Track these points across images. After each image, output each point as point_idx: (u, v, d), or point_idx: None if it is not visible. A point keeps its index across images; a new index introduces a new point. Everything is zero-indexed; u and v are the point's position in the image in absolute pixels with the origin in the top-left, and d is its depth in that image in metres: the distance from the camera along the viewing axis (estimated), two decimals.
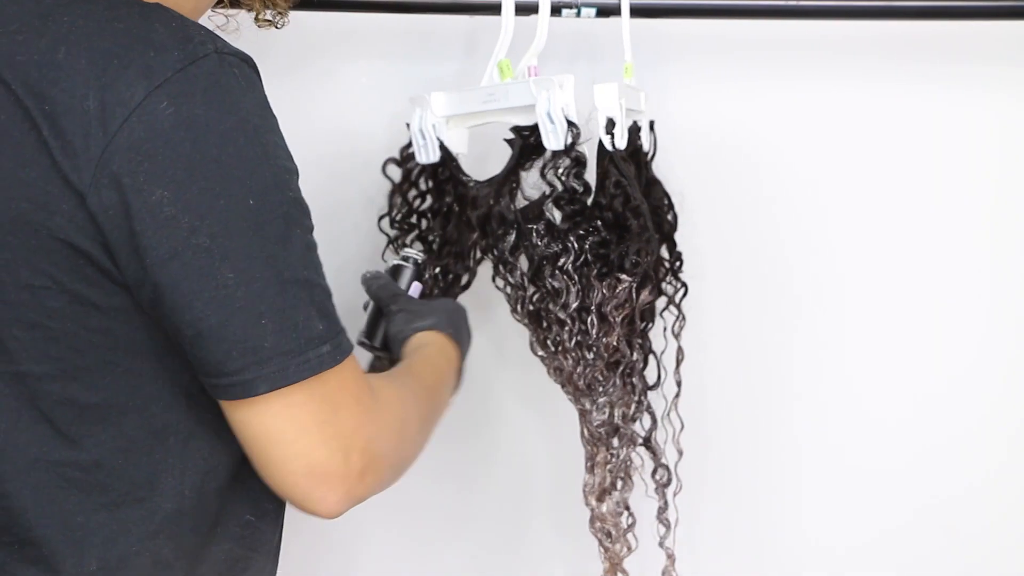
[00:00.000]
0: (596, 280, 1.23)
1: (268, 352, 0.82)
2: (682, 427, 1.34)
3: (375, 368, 1.24)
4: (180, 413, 0.88)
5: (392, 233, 1.37)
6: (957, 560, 1.58)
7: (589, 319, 1.23)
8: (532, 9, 1.28)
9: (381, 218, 1.37)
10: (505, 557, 1.58)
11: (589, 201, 1.24)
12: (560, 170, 1.21)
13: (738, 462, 1.57)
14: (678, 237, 1.34)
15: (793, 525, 1.59)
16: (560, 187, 1.22)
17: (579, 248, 1.23)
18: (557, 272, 1.22)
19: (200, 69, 0.81)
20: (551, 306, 1.24)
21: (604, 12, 1.31)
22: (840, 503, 1.59)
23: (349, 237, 1.44)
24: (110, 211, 0.79)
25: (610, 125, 1.21)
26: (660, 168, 1.33)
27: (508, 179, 1.26)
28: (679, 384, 1.34)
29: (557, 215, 1.24)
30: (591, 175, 1.24)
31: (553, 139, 1.19)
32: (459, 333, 1.18)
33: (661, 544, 1.34)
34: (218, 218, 0.80)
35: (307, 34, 1.34)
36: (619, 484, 1.29)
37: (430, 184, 1.34)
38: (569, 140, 1.19)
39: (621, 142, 1.22)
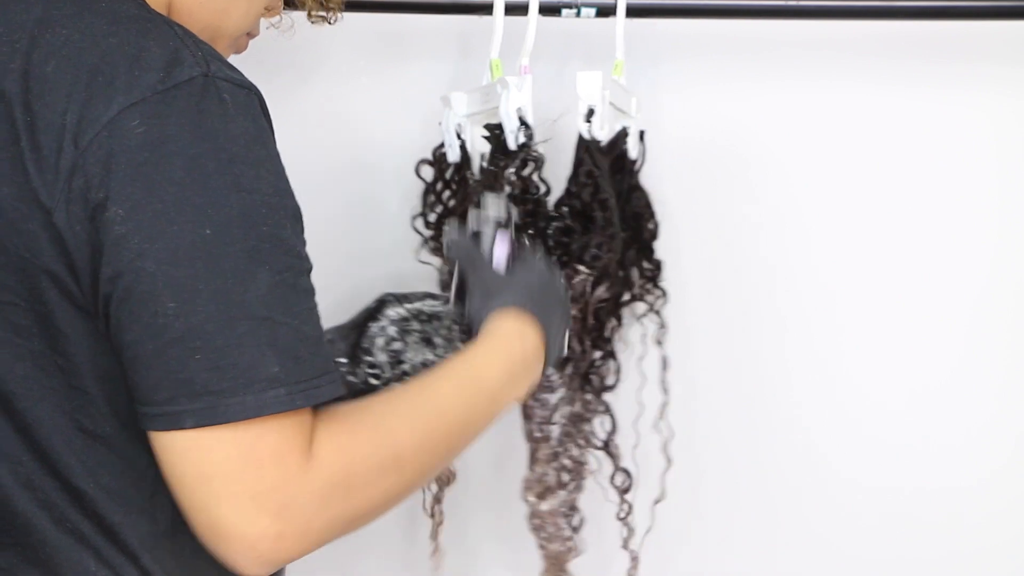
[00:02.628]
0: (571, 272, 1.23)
1: (199, 388, 0.77)
2: (672, 435, 1.33)
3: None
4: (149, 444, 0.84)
5: (427, 233, 1.36)
6: (953, 564, 1.58)
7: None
8: (528, 9, 1.28)
9: (415, 218, 1.36)
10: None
11: (551, 201, 1.24)
12: (513, 169, 1.20)
13: (725, 469, 1.56)
14: (663, 245, 1.32)
15: (783, 532, 1.59)
16: (518, 187, 1.21)
17: (538, 236, 1.23)
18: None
19: (182, 91, 0.79)
20: None
21: (604, 12, 1.30)
22: (829, 509, 1.58)
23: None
24: (76, 227, 0.78)
25: (589, 114, 1.21)
26: (653, 168, 1.32)
27: (489, 176, 1.26)
28: (666, 391, 1.33)
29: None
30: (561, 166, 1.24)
31: (511, 138, 1.19)
32: (544, 309, 1.06)
33: (625, 546, 1.34)
34: (167, 244, 0.77)
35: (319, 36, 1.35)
36: (569, 484, 1.27)
37: (454, 184, 1.33)
38: (521, 140, 1.18)
39: (599, 133, 1.22)
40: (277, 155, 0.84)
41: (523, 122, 1.18)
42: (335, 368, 0.84)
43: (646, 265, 1.31)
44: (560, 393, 1.26)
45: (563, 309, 1.10)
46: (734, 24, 1.43)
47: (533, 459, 1.28)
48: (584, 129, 1.21)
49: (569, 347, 1.17)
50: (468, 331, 1.07)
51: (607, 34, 1.35)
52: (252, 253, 0.79)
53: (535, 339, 1.04)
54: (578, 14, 1.29)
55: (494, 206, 1.14)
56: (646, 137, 1.31)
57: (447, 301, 1.13)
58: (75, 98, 0.79)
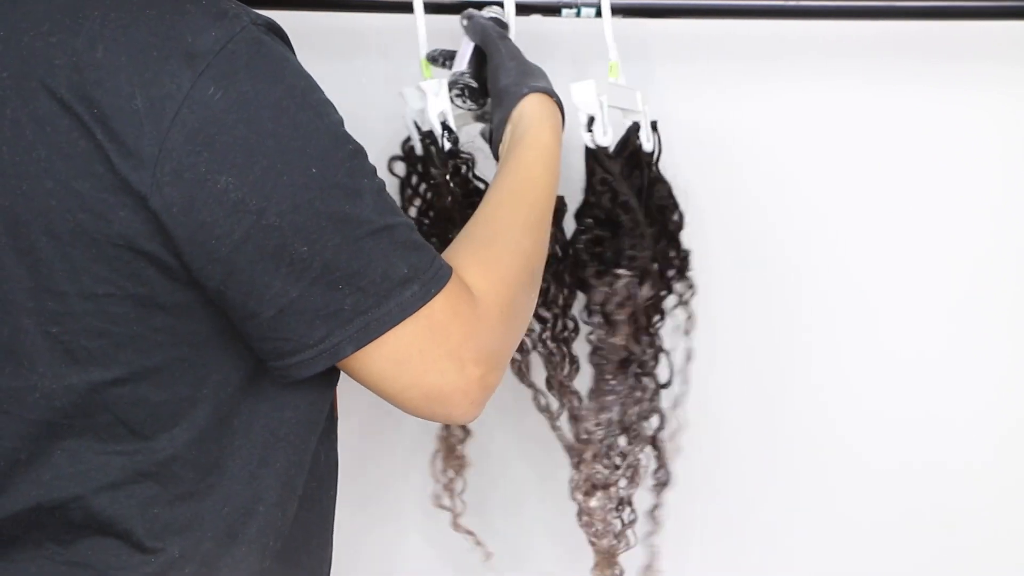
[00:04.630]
0: (595, 279, 1.23)
1: (349, 314, 0.83)
2: (678, 426, 1.33)
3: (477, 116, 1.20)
4: (243, 398, 0.90)
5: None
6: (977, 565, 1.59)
7: (595, 319, 1.23)
8: (530, 9, 1.28)
9: None
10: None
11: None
12: (447, 174, 1.21)
13: (748, 461, 1.57)
14: (686, 236, 1.33)
15: (801, 528, 1.60)
16: (460, 190, 1.21)
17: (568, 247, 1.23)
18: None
19: (239, 45, 0.80)
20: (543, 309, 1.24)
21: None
22: (851, 505, 1.59)
23: None
24: (174, 208, 0.79)
25: (590, 123, 1.20)
26: (666, 167, 1.32)
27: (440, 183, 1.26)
28: (686, 382, 1.33)
29: None
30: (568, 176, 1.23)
31: (442, 142, 1.20)
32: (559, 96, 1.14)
33: (646, 540, 1.34)
34: (284, 194, 0.80)
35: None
36: (622, 482, 1.28)
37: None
38: (447, 147, 1.19)
39: (604, 139, 1.21)
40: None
41: (445, 127, 1.18)
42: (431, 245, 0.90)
43: (673, 256, 1.31)
44: (616, 396, 1.27)
45: None
46: (734, 24, 1.42)
47: (580, 460, 1.28)
48: (587, 139, 1.21)
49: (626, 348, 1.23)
50: (472, 96, 1.15)
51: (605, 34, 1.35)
52: (351, 171, 0.83)
53: (561, 115, 1.12)
54: (578, 14, 1.29)
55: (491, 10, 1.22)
56: (661, 128, 1.30)
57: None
58: (136, 80, 0.78)
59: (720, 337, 1.50)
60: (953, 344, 1.55)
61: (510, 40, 1.17)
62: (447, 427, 1.37)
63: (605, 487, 1.28)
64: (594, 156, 1.22)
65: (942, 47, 1.44)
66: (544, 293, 1.25)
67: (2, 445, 0.87)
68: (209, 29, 0.80)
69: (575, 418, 1.29)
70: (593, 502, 1.28)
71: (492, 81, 1.13)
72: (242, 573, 0.92)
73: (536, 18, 1.29)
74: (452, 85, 1.18)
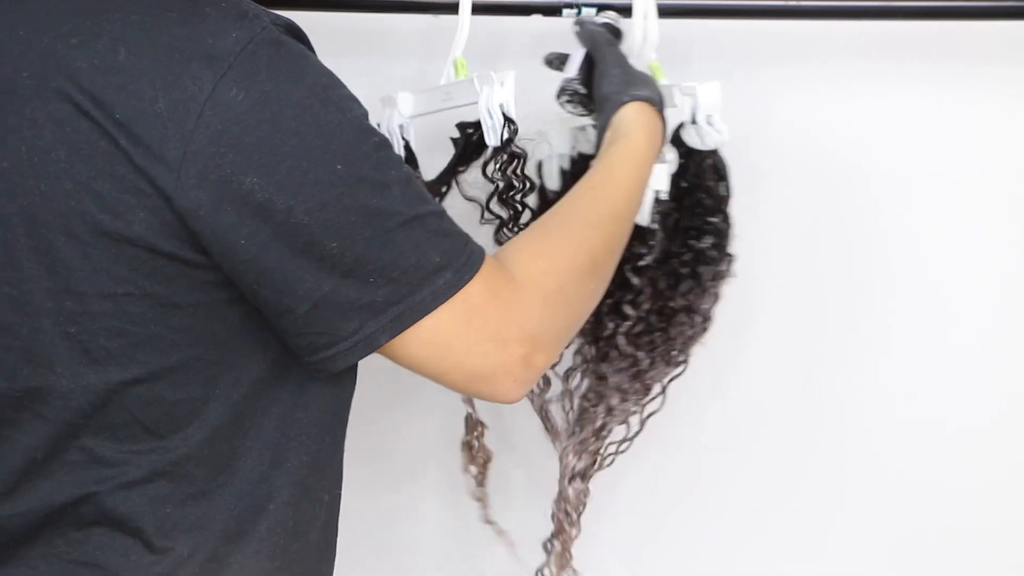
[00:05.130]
0: (710, 282, 1.23)
1: (382, 304, 0.84)
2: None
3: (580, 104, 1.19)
4: (257, 398, 0.90)
5: None
6: None
7: (695, 319, 1.23)
8: (531, 9, 1.29)
9: None
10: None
11: (532, 199, 1.23)
12: (498, 165, 1.19)
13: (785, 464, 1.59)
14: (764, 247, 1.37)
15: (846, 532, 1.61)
16: (502, 183, 1.20)
17: (682, 249, 1.23)
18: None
19: (259, 46, 0.81)
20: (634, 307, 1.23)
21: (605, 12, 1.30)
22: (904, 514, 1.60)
23: None
24: (201, 210, 0.79)
25: (708, 122, 1.19)
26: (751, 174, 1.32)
27: (444, 178, 1.26)
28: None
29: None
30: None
31: (492, 135, 1.18)
32: (663, 105, 1.14)
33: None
34: (311, 192, 0.80)
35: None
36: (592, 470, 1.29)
37: None
38: (505, 136, 1.18)
39: (720, 139, 1.20)
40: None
41: (507, 118, 1.17)
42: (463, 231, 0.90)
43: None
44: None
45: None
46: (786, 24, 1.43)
47: (581, 447, 1.28)
48: (711, 139, 1.19)
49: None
50: (581, 101, 1.16)
51: None
52: (377, 164, 0.84)
53: (663, 138, 1.13)
54: (579, 14, 1.29)
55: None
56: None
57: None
58: (159, 83, 0.79)
59: (772, 336, 1.53)
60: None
61: (618, 47, 1.18)
62: (468, 425, 1.38)
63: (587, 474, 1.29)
64: (709, 157, 1.20)
65: None
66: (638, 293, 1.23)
67: (19, 443, 0.88)
68: (230, 31, 0.80)
69: (622, 395, 1.27)
70: (571, 489, 1.29)
71: (597, 88, 1.15)
72: (252, 572, 0.93)
73: (536, 18, 1.29)
74: (562, 91, 1.19)
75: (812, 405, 1.59)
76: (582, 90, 1.18)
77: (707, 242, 1.22)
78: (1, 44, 0.83)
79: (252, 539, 0.92)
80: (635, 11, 1.23)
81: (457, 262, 0.87)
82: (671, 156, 1.19)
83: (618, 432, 1.30)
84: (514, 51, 1.29)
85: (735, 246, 1.23)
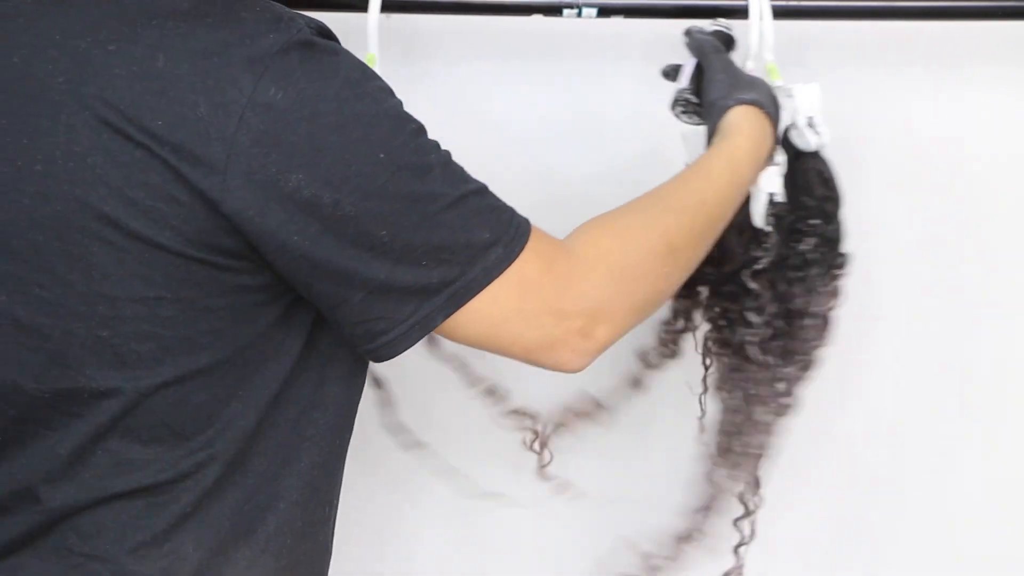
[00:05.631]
0: (818, 282, 1.22)
1: (437, 286, 0.86)
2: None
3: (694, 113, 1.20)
4: (277, 399, 0.91)
5: None
6: None
7: (814, 321, 1.22)
8: (531, 9, 1.28)
9: None
10: None
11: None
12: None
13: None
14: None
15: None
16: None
17: (795, 251, 1.22)
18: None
19: (294, 45, 0.82)
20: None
21: (605, 12, 1.30)
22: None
23: None
24: (250, 210, 0.80)
25: (809, 123, 1.18)
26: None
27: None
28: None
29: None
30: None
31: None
32: (777, 111, 1.14)
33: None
34: (355, 185, 0.82)
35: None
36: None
37: None
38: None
39: (818, 142, 1.20)
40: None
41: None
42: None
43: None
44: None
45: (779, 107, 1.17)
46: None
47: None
48: (813, 140, 1.19)
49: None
50: (694, 110, 1.18)
51: (609, 34, 1.35)
52: (417, 150, 0.85)
53: (772, 137, 1.13)
54: (579, 14, 1.29)
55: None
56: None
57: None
58: (199, 87, 0.79)
59: (885, 339, 1.52)
60: None
61: (724, 54, 1.18)
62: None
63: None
64: (816, 158, 1.20)
65: None
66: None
67: (45, 443, 0.88)
68: (266, 34, 0.82)
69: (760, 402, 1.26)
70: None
71: (705, 95, 1.15)
72: (258, 570, 0.93)
73: (537, 18, 1.29)
74: (675, 102, 1.20)
75: (943, 404, 1.58)
76: (693, 99, 1.19)
77: (809, 244, 1.21)
78: (36, 48, 0.83)
79: (259, 538, 0.93)
80: (751, 12, 1.23)
81: (506, 236, 0.88)
82: (781, 158, 1.18)
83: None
84: (514, 51, 1.29)
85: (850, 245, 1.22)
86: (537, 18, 1.30)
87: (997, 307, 1.54)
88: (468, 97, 1.45)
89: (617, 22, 1.30)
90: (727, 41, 1.22)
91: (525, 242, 0.89)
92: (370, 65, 1.21)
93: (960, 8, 1.34)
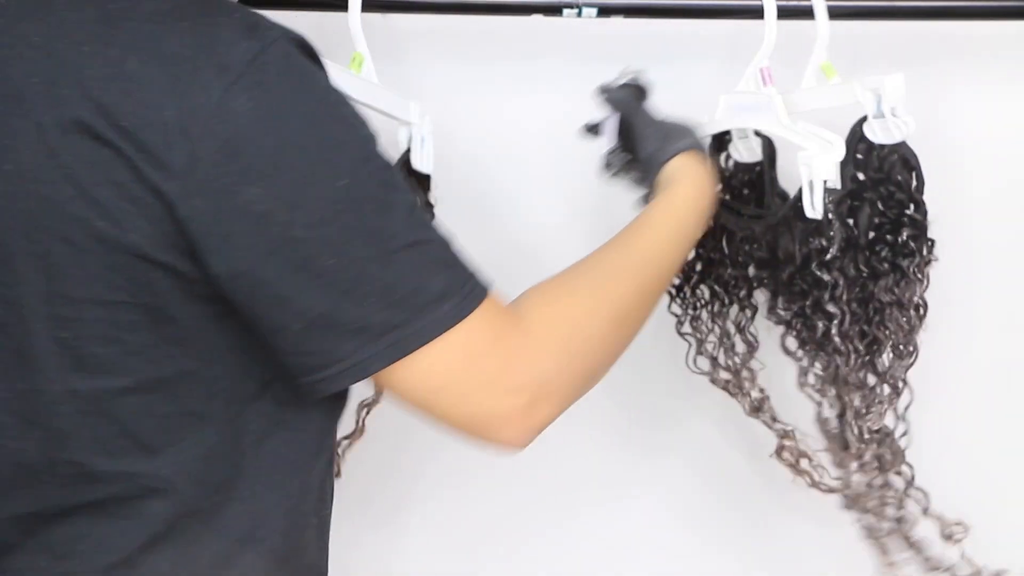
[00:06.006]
0: (915, 271, 1.21)
1: (379, 329, 0.81)
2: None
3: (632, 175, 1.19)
4: (254, 417, 0.89)
5: None
6: None
7: (907, 311, 1.22)
8: (531, 9, 1.28)
9: None
10: None
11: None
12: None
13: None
14: None
15: None
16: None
17: (879, 244, 1.21)
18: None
19: (270, 56, 0.80)
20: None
21: (605, 12, 1.29)
22: None
23: None
24: (202, 218, 0.78)
25: (893, 114, 1.17)
26: None
27: None
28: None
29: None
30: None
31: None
32: (705, 148, 1.13)
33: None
34: (311, 207, 0.79)
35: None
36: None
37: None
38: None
39: (906, 131, 1.18)
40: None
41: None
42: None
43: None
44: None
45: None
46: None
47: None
48: (900, 131, 1.18)
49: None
50: (628, 168, 1.16)
51: (610, 34, 1.34)
52: (383, 185, 0.82)
53: (711, 178, 1.10)
54: (579, 14, 1.29)
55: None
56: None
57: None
58: (168, 91, 0.78)
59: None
60: None
61: (645, 107, 1.17)
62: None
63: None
64: (901, 147, 1.19)
65: None
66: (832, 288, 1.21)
67: (7, 448, 0.86)
68: (241, 41, 0.79)
69: (858, 414, 1.25)
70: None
71: (638, 151, 1.14)
72: None
73: (537, 18, 1.29)
74: (607, 165, 1.20)
75: None
76: (626, 158, 1.18)
77: (905, 234, 1.20)
78: (14, 48, 0.82)
79: (238, 564, 0.90)
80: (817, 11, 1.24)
81: (461, 293, 0.83)
82: (839, 145, 1.17)
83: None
84: (514, 51, 1.28)
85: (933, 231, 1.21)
86: (537, 18, 1.29)
87: None
88: (468, 97, 1.44)
89: (617, 22, 1.30)
90: (642, 90, 1.20)
91: (479, 303, 0.84)
92: (357, 65, 1.21)
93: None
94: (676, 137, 1.11)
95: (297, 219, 0.79)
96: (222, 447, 0.87)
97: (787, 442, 1.38)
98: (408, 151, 1.27)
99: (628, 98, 1.17)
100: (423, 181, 1.27)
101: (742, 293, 1.37)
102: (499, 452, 0.87)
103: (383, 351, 0.81)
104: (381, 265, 0.81)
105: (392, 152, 1.24)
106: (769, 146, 1.32)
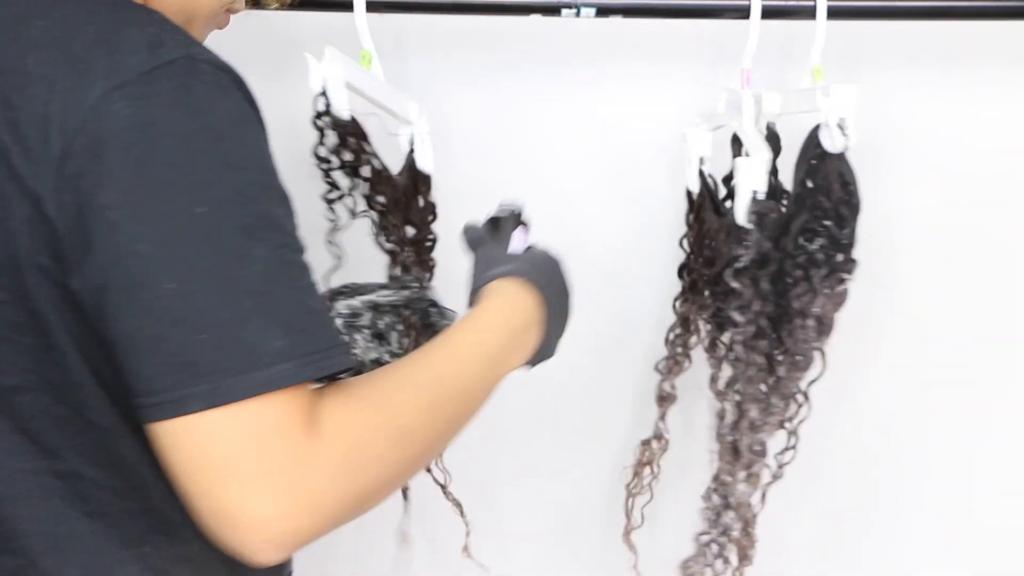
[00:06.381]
0: (820, 283, 1.21)
1: (204, 368, 0.75)
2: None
3: None
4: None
5: None
6: None
7: (810, 322, 1.21)
8: (530, 9, 1.28)
9: None
10: None
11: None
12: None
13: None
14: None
15: None
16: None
17: (796, 251, 1.21)
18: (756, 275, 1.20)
19: (165, 72, 0.78)
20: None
21: (604, 12, 1.30)
22: None
23: None
24: (67, 215, 0.77)
25: (839, 125, 1.18)
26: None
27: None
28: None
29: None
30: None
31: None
32: (549, 284, 1.04)
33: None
34: (162, 225, 0.76)
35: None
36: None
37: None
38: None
39: (844, 144, 1.19)
40: (264, 137, 0.82)
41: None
42: (342, 341, 0.81)
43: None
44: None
45: (567, 301, 1.07)
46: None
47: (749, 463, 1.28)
48: (841, 142, 1.19)
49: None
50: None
51: (610, 34, 1.35)
52: (247, 229, 0.78)
53: (536, 305, 1.02)
54: (578, 14, 1.29)
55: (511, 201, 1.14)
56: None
57: (403, 287, 1.12)
58: (57, 87, 0.78)
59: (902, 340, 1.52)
60: None
61: (488, 243, 1.10)
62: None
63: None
64: (840, 159, 1.20)
65: None
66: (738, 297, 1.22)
67: None
68: (141, 53, 0.79)
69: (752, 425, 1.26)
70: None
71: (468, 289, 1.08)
72: None
73: (536, 18, 1.29)
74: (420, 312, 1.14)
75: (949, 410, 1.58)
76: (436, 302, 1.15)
77: (817, 244, 1.20)
78: None
79: (195, 559, 0.89)
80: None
81: (302, 360, 0.77)
82: (767, 154, 1.18)
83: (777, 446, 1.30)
84: (513, 50, 1.28)
85: (859, 251, 1.21)
86: (536, 18, 1.30)
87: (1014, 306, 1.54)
88: (467, 96, 1.45)
89: (615, 22, 1.30)
90: (516, 217, 1.13)
91: (319, 375, 0.78)
92: (367, 63, 1.21)
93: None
94: (496, 264, 1.05)
95: (146, 233, 0.76)
96: (125, 454, 0.85)
97: (654, 443, 1.39)
98: (412, 152, 1.27)
99: (479, 235, 1.12)
100: (424, 181, 1.28)
101: (706, 290, 1.36)
102: (242, 557, 0.77)
103: (203, 392, 0.75)
104: (221, 304, 0.76)
105: (393, 152, 1.26)
106: (775, 143, 1.33)
